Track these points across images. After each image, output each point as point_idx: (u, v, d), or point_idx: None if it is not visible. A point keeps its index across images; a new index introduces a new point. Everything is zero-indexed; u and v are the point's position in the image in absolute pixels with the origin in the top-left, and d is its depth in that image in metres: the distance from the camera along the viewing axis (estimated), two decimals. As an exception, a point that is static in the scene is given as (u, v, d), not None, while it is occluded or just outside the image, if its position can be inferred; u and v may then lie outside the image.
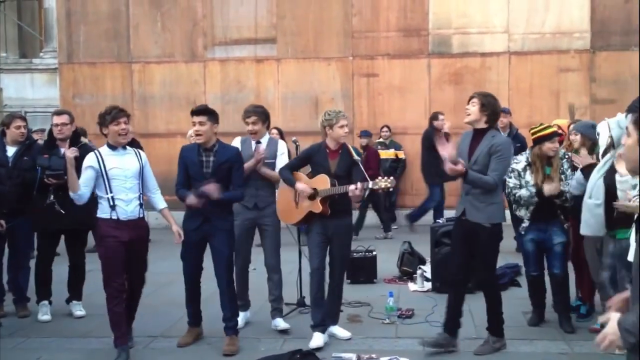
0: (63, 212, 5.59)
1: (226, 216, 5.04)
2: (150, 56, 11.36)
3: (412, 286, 6.77)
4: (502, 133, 6.99)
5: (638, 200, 3.89)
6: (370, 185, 4.88)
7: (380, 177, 4.95)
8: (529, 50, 10.73)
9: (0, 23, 16.67)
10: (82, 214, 5.68)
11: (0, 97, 15.72)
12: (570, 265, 5.51)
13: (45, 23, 16.55)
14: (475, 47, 10.81)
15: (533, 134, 5.30)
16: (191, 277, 5.12)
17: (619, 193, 4.48)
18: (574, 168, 5.30)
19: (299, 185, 5.09)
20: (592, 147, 5.31)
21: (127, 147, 4.89)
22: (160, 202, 5.00)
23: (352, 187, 4.84)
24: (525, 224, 5.33)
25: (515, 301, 5.79)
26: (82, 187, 4.69)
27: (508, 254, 7.26)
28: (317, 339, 4.98)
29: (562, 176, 5.21)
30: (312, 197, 5.04)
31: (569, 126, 6.29)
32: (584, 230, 4.80)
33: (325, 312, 5.12)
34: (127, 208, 4.72)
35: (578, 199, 4.98)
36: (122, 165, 4.75)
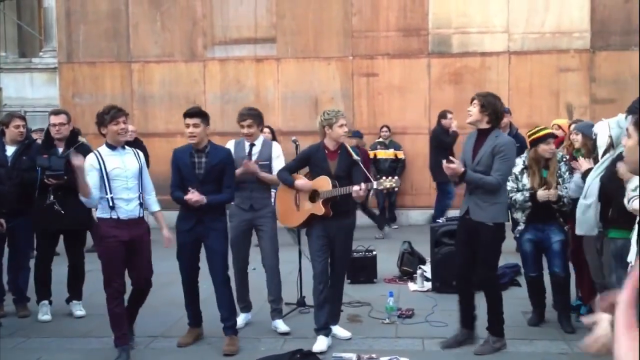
0: (63, 212, 5.59)
1: (219, 216, 5.06)
2: (150, 56, 11.35)
3: (412, 286, 6.77)
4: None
5: (637, 200, 3.89)
6: (375, 186, 4.87)
7: (384, 177, 4.96)
8: (529, 50, 10.73)
9: (0, 22, 16.65)
10: (81, 214, 5.69)
11: (0, 96, 15.70)
12: (570, 265, 5.50)
13: (44, 22, 16.53)
14: (475, 46, 10.81)
15: (529, 137, 5.31)
16: (187, 277, 5.14)
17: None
18: (572, 170, 5.28)
19: (299, 182, 5.05)
20: (593, 147, 5.30)
21: (126, 147, 4.88)
22: (154, 204, 4.98)
23: (355, 187, 4.81)
24: (521, 226, 5.33)
25: (515, 301, 5.78)
26: (92, 190, 4.65)
27: (508, 254, 7.24)
28: (322, 343, 4.97)
29: (560, 179, 5.20)
30: (313, 199, 5.02)
31: (569, 126, 6.28)
32: (578, 230, 4.82)
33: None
34: (128, 207, 4.72)
35: (577, 201, 4.98)
36: (123, 165, 4.75)
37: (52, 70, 14.44)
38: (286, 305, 5.87)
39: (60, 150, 5.76)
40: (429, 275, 6.70)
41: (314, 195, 5.02)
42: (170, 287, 5.98)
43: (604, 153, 4.84)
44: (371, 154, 10.43)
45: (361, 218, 9.74)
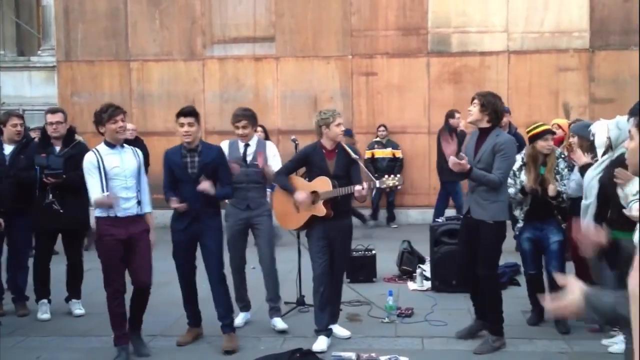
0: (62, 211, 5.58)
1: (214, 215, 5.06)
2: (149, 54, 11.33)
3: (411, 285, 6.77)
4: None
5: (637, 204, 3.89)
6: (378, 185, 4.86)
7: (387, 175, 4.95)
8: (528, 50, 10.73)
9: (-2, 21, 16.62)
10: (80, 213, 5.68)
11: (-2, 95, 15.68)
12: (570, 265, 5.50)
13: (43, 21, 16.49)
14: (475, 46, 10.81)
15: (527, 133, 5.34)
16: (185, 276, 5.14)
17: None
18: (571, 168, 5.29)
19: (298, 196, 4.98)
20: (590, 147, 5.30)
21: (125, 145, 4.87)
22: (147, 205, 4.92)
23: (358, 187, 4.79)
24: (520, 224, 5.34)
25: (515, 300, 5.78)
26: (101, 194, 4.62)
27: (507, 253, 7.24)
28: (322, 343, 4.96)
29: (558, 176, 5.21)
30: (313, 200, 4.99)
31: (569, 125, 6.29)
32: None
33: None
34: (125, 206, 4.71)
35: (577, 199, 4.98)
36: (122, 164, 4.73)
37: (51, 68, 14.41)
38: (285, 305, 5.87)
39: (58, 149, 5.75)
40: (428, 274, 6.70)
41: (313, 197, 5.00)
42: (169, 287, 5.97)
43: (603, 154, 4.84)
44: (369, 153, 10.44)
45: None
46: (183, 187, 4.96)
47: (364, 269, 6.94)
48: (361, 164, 5.04)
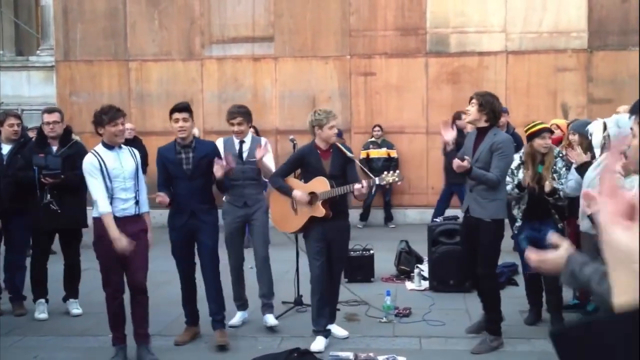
0: (59, 211, 5.58)
1: (211, 210, 5.09)
2: (148, 54, 11.32)
3: (409, 285, 6.77)
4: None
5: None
6: (377, 182, 4.85)
7: (386, 172, 4.96)
8: (527, 50, 10.73)
9: (-3, 20, 16.62)
10: (78, 213, 5.68)
11: (-3, 95, 15.67)
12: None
13: (42, 21, 16.48)
14: (473, 46, 10.81)
15: (526, 131, 5.35)
16: (184, 273, 5.15)
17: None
18: (569, 168, 5.29)
19: (297, 194, 4.98)
20: (589, 146, 5.31)
21: (122, 146, 4.86)
22: (144, 205, 4.90)
23: (357, 185, 4.78)
24: (518, 223, 5.35)
25: (513, 300, 5.79)
26: (107, 203, 4.60)
27: (505, 252, 7.25)
28: (319, 343, 4.96)
29: (555, 175, 5.22)
30: (311, 201, 4.98)
31: (568, 125, 6.30)
32: (581, 227, 4.88)
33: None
34: (123, 206, 4.70)
35: (575, 198, 4.99)
36: (121, 166, 4.73)
37: (50, 68, 14.39)
38: (283, 304, 5.87)
39: (55, 148, 5.75)
40: (426, 274, 6.71)
41: (311, 197, 4.99)
42: (167, 286, 5.97)
43: (601, 153, 4.86)
44: (364, 153, 10.42)
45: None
46: (178, 184, 4.97)
47: (362, 269, 6.94)
48: (357, 162, 5.04)
